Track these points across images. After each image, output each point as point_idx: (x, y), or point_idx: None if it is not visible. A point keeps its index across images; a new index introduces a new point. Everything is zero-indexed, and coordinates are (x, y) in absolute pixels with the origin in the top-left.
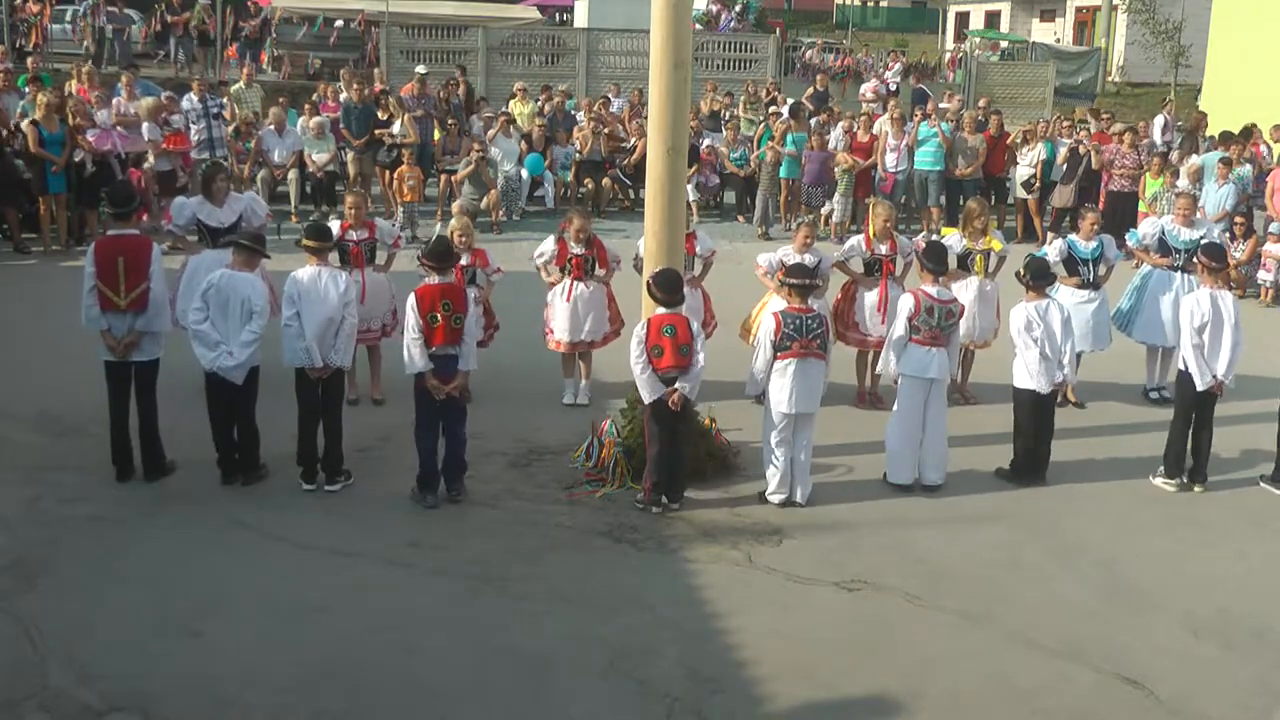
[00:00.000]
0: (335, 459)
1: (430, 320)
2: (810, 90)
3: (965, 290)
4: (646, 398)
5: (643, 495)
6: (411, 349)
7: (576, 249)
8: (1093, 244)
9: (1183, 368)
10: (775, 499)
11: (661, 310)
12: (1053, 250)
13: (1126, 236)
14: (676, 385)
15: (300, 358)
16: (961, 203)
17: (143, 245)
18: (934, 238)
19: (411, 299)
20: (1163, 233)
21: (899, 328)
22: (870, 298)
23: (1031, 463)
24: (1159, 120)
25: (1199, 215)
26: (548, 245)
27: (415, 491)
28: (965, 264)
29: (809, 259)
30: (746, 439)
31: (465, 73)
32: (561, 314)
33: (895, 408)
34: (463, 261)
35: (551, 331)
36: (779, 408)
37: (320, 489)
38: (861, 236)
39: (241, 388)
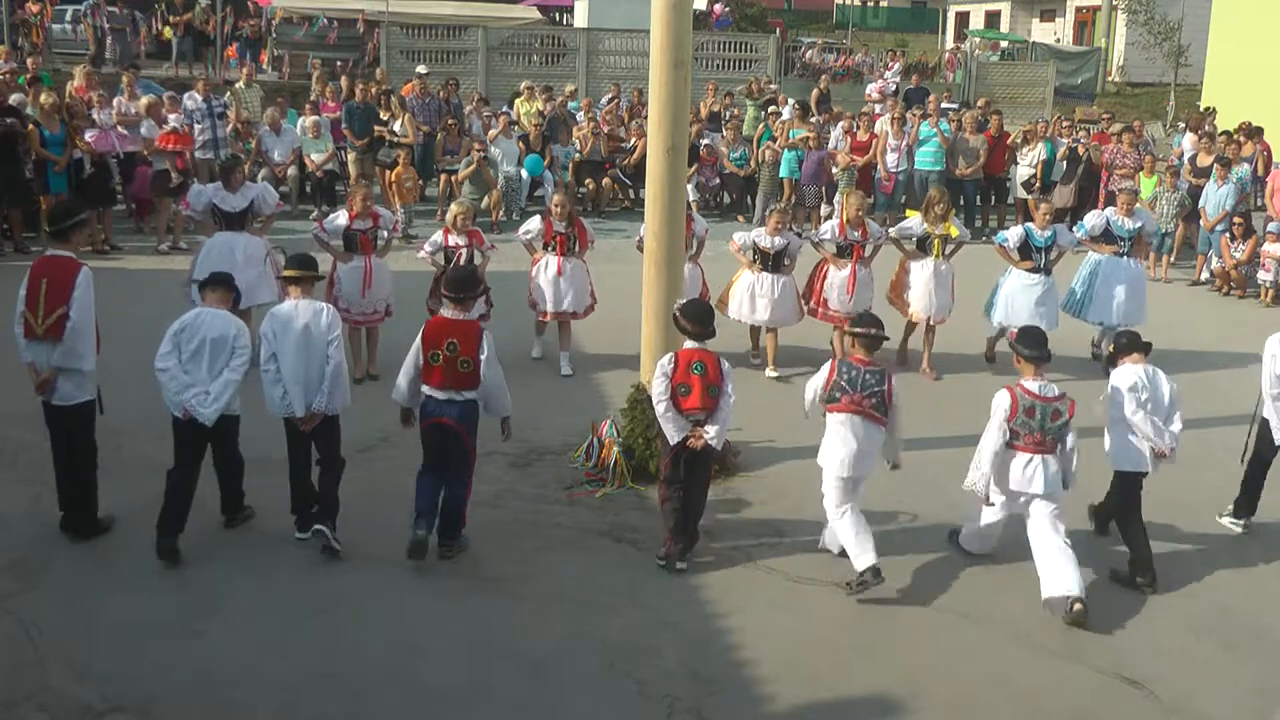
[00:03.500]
0: (329, 509)
1: (431, 358)
2: (815, 92)
3: (922, 269)
4: (674, 437)
5: (664, 551)
6: (400, 379)
7: (560, 226)
8: (1046, 233)
9: (1265, 415)
10: (864, 563)
11: (690, 344)
12: (1012, 236)
13: (1074, 228)
14: (704, 430)
15: (281, 407)
16: (962, 203)
17: (67, 268)
18: (1028, 325)
19: (421, 332)
20: (1108, 223)
21: (992, 432)
22: (839, 277)
23: (1144, 549)
24: (1188, 138)
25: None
26: (533, 224)
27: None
28: (924, 246)
29: (779, 241)
30: (747, 439)
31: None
32: (548, 287)
33: (972, 523)
34: (461, 242)
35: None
36: (831, 470)
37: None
38: (836, 223)
39: (217, 437)
